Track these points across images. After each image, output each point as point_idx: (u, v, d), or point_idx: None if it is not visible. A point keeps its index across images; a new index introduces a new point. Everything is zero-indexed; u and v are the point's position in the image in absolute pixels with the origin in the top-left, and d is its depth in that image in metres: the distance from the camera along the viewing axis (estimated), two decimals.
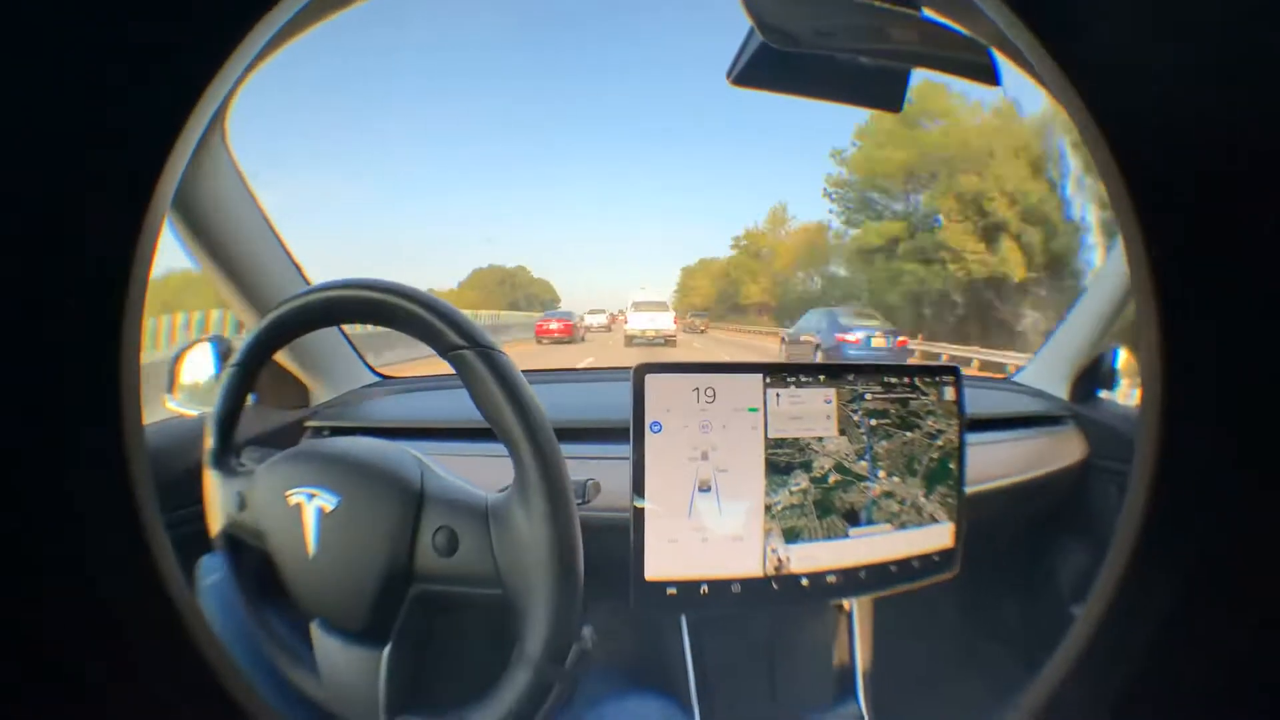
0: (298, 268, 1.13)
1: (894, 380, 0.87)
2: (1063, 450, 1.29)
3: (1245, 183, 0.28)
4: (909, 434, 0.87)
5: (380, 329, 0.63)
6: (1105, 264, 1.34)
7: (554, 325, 21.03)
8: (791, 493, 0.81)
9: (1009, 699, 0.36)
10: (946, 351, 15.35)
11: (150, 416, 1.06)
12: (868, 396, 0.85)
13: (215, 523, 0.72)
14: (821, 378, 0.83)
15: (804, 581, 0.81)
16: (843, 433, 0.84)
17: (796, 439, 0.82)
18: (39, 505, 0.28)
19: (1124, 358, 1.34)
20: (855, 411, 0.85)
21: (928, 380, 0.89)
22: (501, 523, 0.59)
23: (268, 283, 1.07)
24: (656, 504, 0.77)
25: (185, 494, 0.86)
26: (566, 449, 0.60)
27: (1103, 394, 1.37)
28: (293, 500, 0.64)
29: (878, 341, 12.54)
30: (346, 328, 1.24)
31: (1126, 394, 1.33)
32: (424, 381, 1.35)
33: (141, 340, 0.31)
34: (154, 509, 0.31)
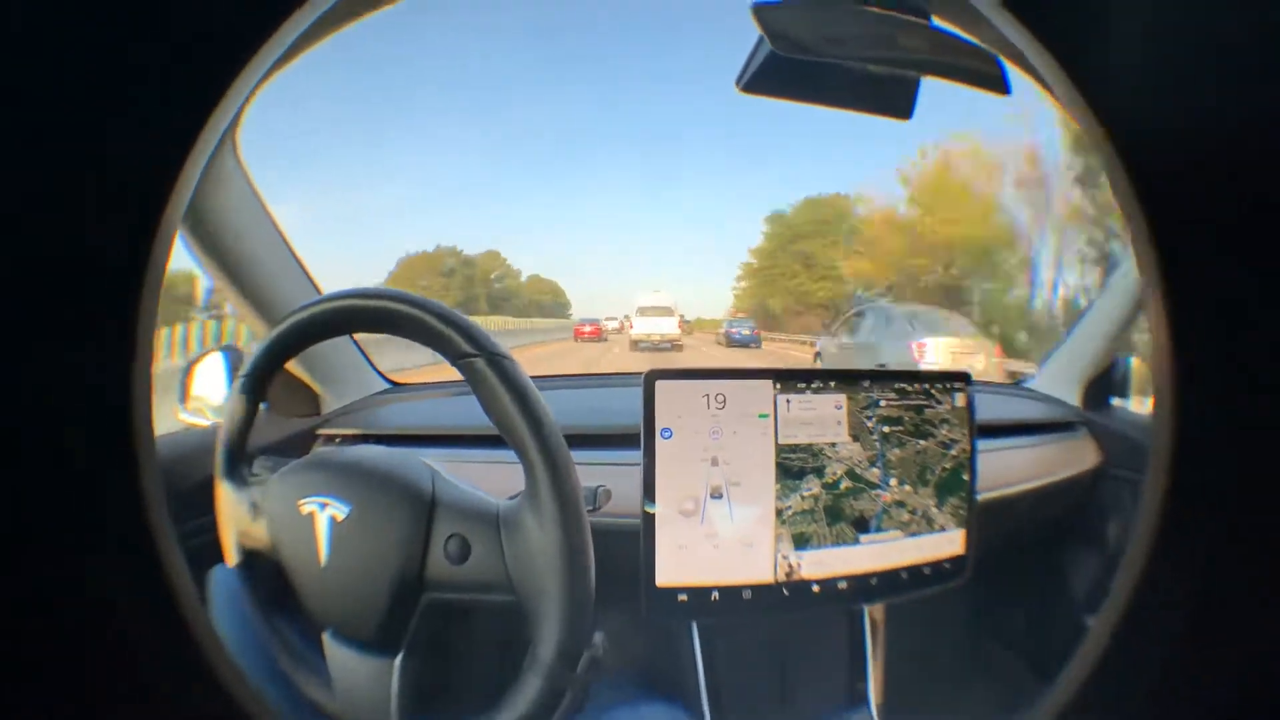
0: (309, 277, 1.14)
1: (908, 387, 0.87)
2: (1075, 457, 1.28)
3: (1255, 187, 0.27)
4: (922, 442, 0.87)
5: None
6: (1118, 270, 1.33)
7: (587, 328, 28.59)
8: (803, 498, 0.81)
9: (1020, 708, 0.36)
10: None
11: (162, 427, 1.07)
12: (882, 403, 0.85)
13: (227, 533, 0.72)
14: (832, 383, 0.83)
15: (815, 588, 0.81)
16: (856, 439, 0.84)
17: (810, 444, 0.82)
18: (47, 516, 0.28)
19: (1136, 364, 1.33)
20: (870, 418, 0.85)
21: (940, 387, 0.89)
22: (513, 530, 0.59)
23: (279, 292, 1.07)
24: (667, 510, 0.77)
25: (197, 505, 0.87)
26: (577, 455, 0.60)
27: (1115, 401, 1.37)
28: (305, 510, 0.64)
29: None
30: (358, 335, 1.25)
31: (1139, 401, 1.32)
32: (435, 388, 1.36)
33: (155, 352, 0.31)
34: (166, 520, 0.31)
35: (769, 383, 0.81)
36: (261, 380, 0.70)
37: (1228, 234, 0.28)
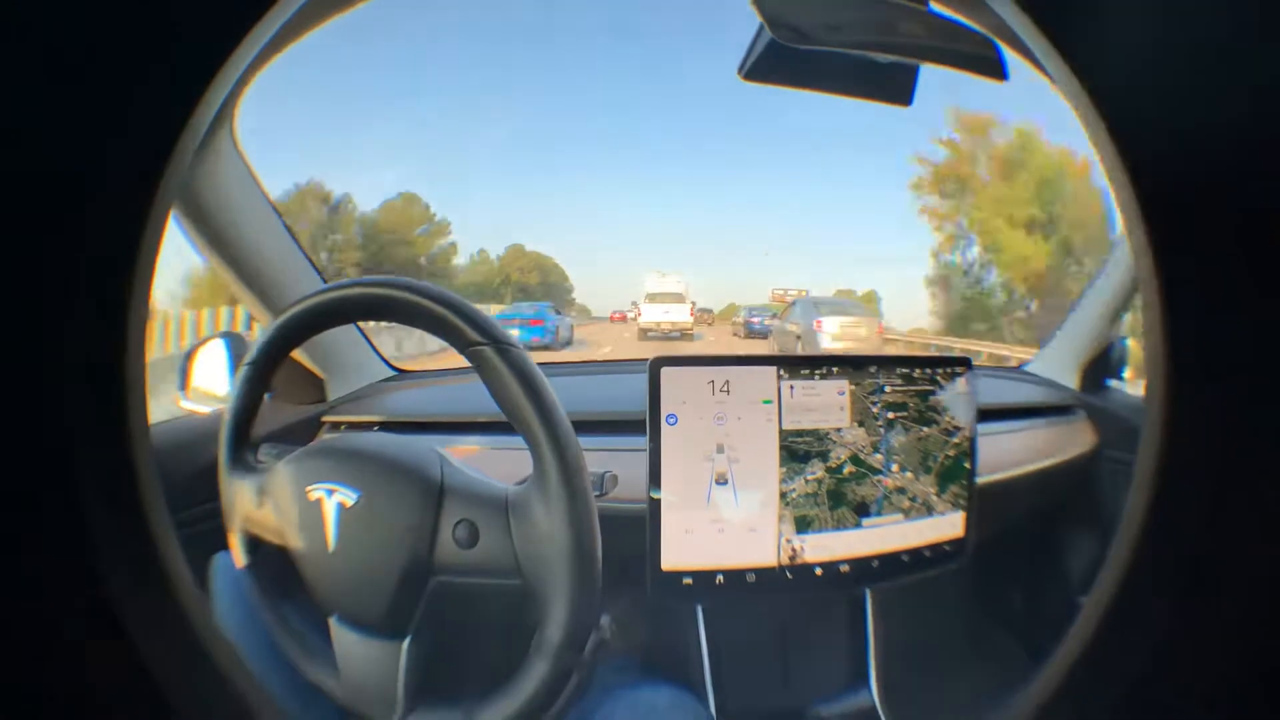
0: (312, 264, 1.13)
1: (914, 373, 0.88)
2: (1073, 440, 1.29)
3: (1251, 179, 0.28)
4: (925, 429, 0.88)
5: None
6: (1114, 254, 1.34)
7: (616, 315, 36.39)
8: (807, 481, 0.82)
9: (1017, 688, 0.37)
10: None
11: (160, 413, 1.07)
12: (887, 389, 0.86)
13: (231, 519, 0.72)
14: (835, 369, 0.84)
15: (817, 571, 0.82)
16: (861, 424, 0.85)
17: (815, 429, 0.82)
18: (43, 505, 0.28)
19: (1132, 347, 1.34)
20: (875, 404, 0.86)
21: (944, 372, 0.90)
22: (521, 515, 0.60)
23: (281, 280, 1.07)
24: (673, 495, 0.78)
25: (200, 491, 0.87)
26: (583, 441, 0.60)
27: (1112, 384, 1.38)
28: (313, 496, 0.64)
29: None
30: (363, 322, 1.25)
31: (1135, 384, 1.33)
32: (440, 375, 1.36)
33: (148, 337, 0.31)
34: (161, 508, 0.31)
35: (773, 369, 0.81)
36: (268, 367, 0.70)
37: (1221, 223, 0.28)
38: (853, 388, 0.84)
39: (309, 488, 0.65)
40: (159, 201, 0.29)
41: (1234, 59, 0.27)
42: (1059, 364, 1.43)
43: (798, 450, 0.81)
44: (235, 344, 1.13)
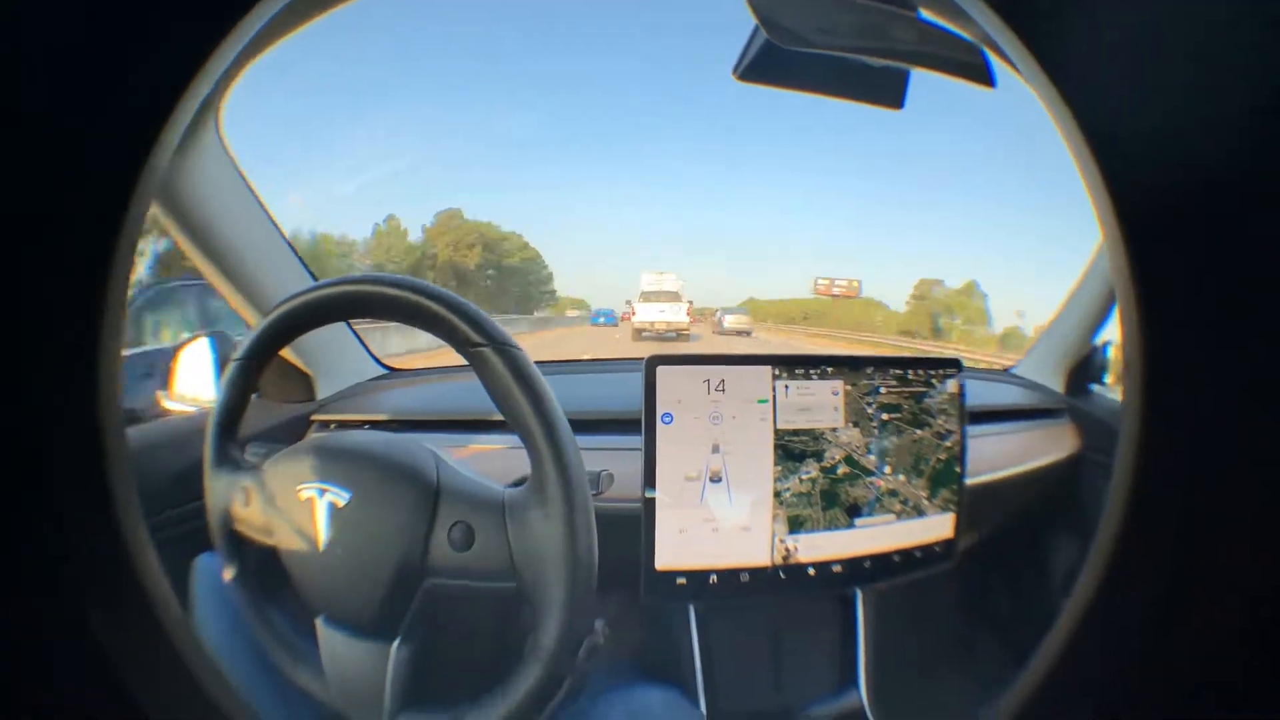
0: (301, 262, 1.12)
1: (908, 374, 0.89)
2: (1057, 443, 1.31)
3: (1226, 185, 0.28)
4: (919, 431, 0.89)
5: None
6: (1097, 259, 1.35)
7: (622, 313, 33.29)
8: (801, 480, 0.82)
9: (1001, 689, 0.37)
10: None
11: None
12: (882, 390, 0.87)
13: (215, 519, 0.70)
14: (830, 370, 0.84)
15: (810, 571, 0.83)
16: (856, 425, 0.85)
17: (811, 428, 0.83)
18: (11, 506, 0.27)
19: (1114, 352, 1.36)
20: (870, 405, 0.86)
21: (936, 373, 0.90)
22: (518, 519, 0.59)
23: (268, 277, 1.05)
24: (667, 494, 0.78)
25: (183, 492, 0.85)
26: (579, 440, 0.60)
27: (1095, 388, 1.39)
28: (303, 496, 0.63)
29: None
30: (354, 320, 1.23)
31: (1118, 388, 1.35)
32: (432, 373, 1.35)
33: (122, 335, 0.30)
34: (136, 511, 0.30)
35: (768, 369, 0.82)
36: (257, 363, 0.69)
37: (1196, 229, 0.29)
38: (848, 388, 0.85)
39: (299, 487, 0.64)
40: (137, 197, 0.29)
41: (1210, 66, 0.28)
42: (1044, 367, 1.45)
43: (793, 449, 0.82)
44: (221, 342, 1.11)
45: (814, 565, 0.83)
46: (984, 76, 0.78)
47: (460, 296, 0.60)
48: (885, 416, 0.86)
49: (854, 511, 0.85)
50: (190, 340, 1.11)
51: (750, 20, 0.76)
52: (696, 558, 0.79)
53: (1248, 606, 0.30)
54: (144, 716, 0.30)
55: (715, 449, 0.79)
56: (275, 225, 1.09)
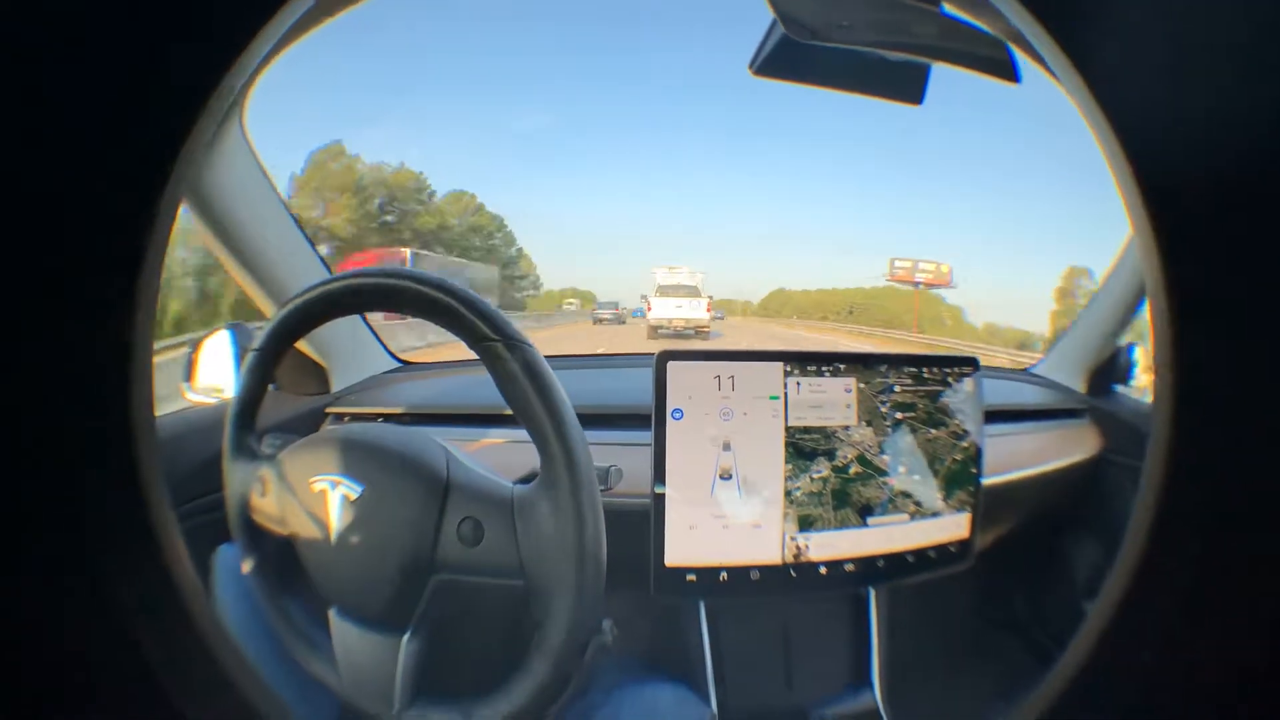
0: (318, 255, 1.13)
1: (923, 372, 0.88)
2: (1078, 444, 1.29)
3: (1258, 182, 0.27)
4: (934, 431, 0.87)
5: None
6: (1124, 258, 1.33)
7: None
8: (812, 479, 0.81)
9: (1021, 691, 0.37)
10: None
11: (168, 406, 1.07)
12: (897, 389, 0.86)
13: (234, 510, 0.72)
14: (843, 367, 0.84)
15: (822, 569, 0.82)
16: (869, 424, 0.84)
17: (823, 426, 0.82)
18: (45, 497, 0.28)
19: (1140, 353, 1.33)
20: (884, 403, 0.85)
21: (953, 372, 0.89)
22: (527, 515, 0.59)
23: (286, 270, 1.07)
24: (677, 490, 0.78)
25: (205, 483, 0.87)
26: (588, 435, 0.60)
27: (1119, 389, 1.37)
28: (316, 488, 0.64)
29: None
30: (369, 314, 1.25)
31: (1142, 389, 1.33)
32: (444, 367, 1.36)
33: (154, 329, 0.31)
34: (164, 501, 0.31)
35: (779, 365, 0.81)
36: (275, 353, 0.70)
37: (1230, 227, 0.28)
38: (861, 386, 0.84)
39: (312, 479, 0.65)
40: (169, 193, 0.29)
41: (1244, 61, 0.27)
42: (1066, 367, 1.43)
43: (804, 447, 0.81)
44: (241, 334, 1.13)
45: (826, 564, 0.82)
46: (1009, 72, 0.77)
47: (471, 291, 0.60)
48: (899, 415, 0.85)
49: (866, 511, 0.84)
50: (211, 333, 1.13)
51: (767, 15, 0.75)
52: (706, 554, 0.79)
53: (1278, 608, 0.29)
54: (171, 704, 0.31)
55: (726, 445, 0.79)
56: (294, 219, 1.10)
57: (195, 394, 1.09)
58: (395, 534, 0.61)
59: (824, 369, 0.82)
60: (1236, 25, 0.27)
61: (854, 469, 0.83)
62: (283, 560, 0.69)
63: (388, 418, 1.10)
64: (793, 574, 0.81)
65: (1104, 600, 0.33)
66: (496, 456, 0.72)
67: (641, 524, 0.78)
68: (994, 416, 1.12)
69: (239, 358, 1.10)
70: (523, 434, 0.59)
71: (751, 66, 0.83)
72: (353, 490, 0.62)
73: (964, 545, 0.90)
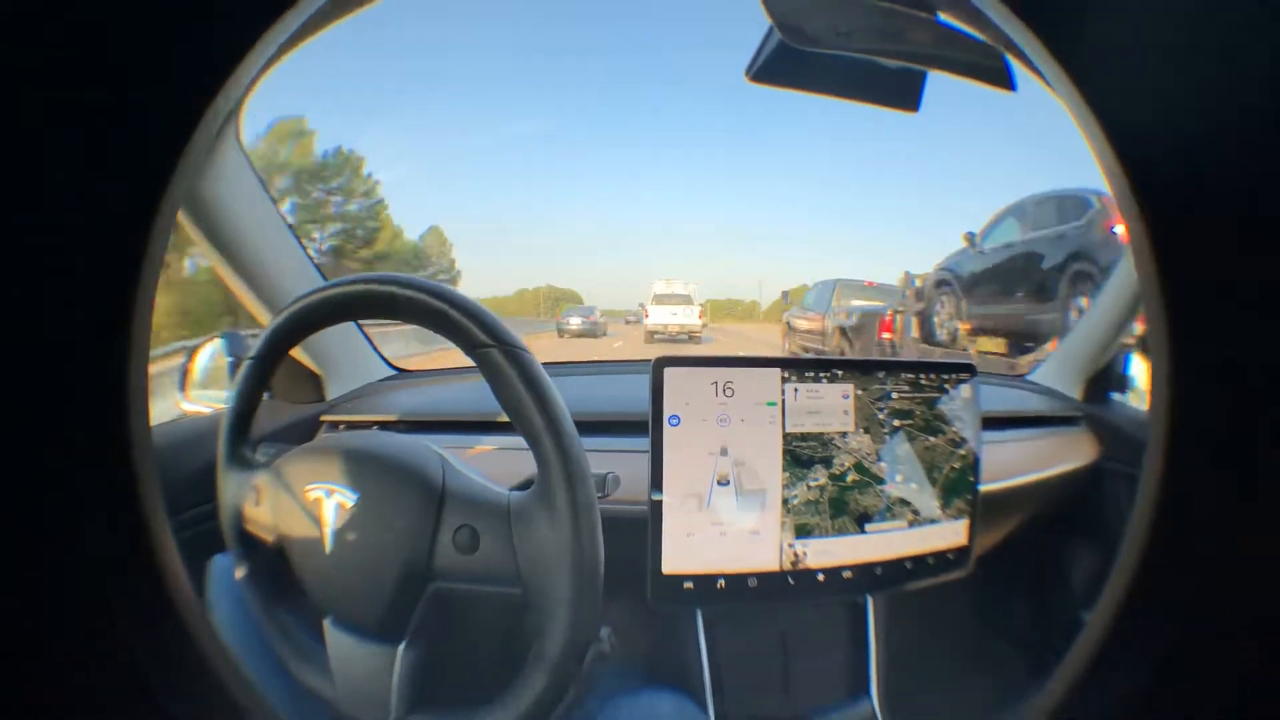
0: (313, 263, 1.13)
1: (921, 379, 0.87)
2: (1074, 451, 1.29)
3: (1251, 186, 0.28)
4: (932, 439, 0.87)
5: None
6: (1121, 265, 1.33)
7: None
8: (809, 488, 0.81)
9: (1018, 700, 0.37)
10: None
11: (163, 416, 1.06)
12: (894, 395, 0.85)
13: (228, 519, 0.71)
14: (840, 373, 0.83)
15: (820, 576, 0.81)
16: (866, 431, 0.84)
17: (820, 433, 0.82)
18: (41, 505, 0.27)
19: (1137, 361, 1.33)
20: (881, 410, 0.85)
21: (950, 378, 0.89)
22: (524, 523, 0.59)
23: (282, 279, 1.07)
24: (674, 497, 0.77)
25: (199, 493, 0.86)
26: (585, 441, 0.59)
27: (1115, 396, 1.37)
28: (311, 496, 0.63)
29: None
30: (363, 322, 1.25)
31: (1139, 396, 1.33)
32: (440, 375, 1.35)
33: (150, 337, 0.31)
34: (160, 510, 0.31)
35: (776, 371, 0.81)
36: (270, 362, 0.69)
37: (1224, 232, 0.28)
38: (858, 392, 0.83)
39: (307, 488, 0.64)
40: (166, 202, 0.29)
41: (1237, 67, 0.27)
42: (1062, 374, 1.43)
43: (801, 455, 0.81)
44: (234, 343, 1.12)
45: (824, 571, 0.81)
46: (1004, 80, 0.77)
47: (469, 297, 0.59)
48: (897, 423, 0.85)
49: (864, 519, 0.83)
50: (205, 341, 1.13)
51: (763, 21, 0.75)
52: (704, 562, 0.78)
53: (1277, 623, 0.29)
54: (165, 712, 0.31)
55: (723, 451, 0.78)
56: (289, 226, 1.10)
57: (190, 403, 1.09)
58: (391, 542, 0.60)
59: (821, 375, 0.82)
60: (1229, 31, 0.27)
61: (851, 477, 0.83)
62: (277, 570, 0.68)
63: (383, 425, 1.10)
64: (791, 581, 0.80)
65: (1101, 607, 0.33)
66: (492, 463, 0.72)
67: (639, 531, 0.77)
68: (990, 423, 1.12)
69: (233, 366, 1.09)
70: (519, 441, 0.59)
71: (748, 73, 0.84)
72: (348, 498, 0.62)
73: (962, 552, 0.90)
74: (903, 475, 0.85)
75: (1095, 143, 0.31)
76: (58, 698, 0.29)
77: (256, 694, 0.36)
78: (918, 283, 7.49)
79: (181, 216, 0.95)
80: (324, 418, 1.13)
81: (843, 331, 8.27)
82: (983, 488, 0.91)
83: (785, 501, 0.80)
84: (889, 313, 7.50)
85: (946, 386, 0.88)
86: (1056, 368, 1.46)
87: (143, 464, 0.30)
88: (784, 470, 0.80)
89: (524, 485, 0.62)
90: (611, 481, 0.70)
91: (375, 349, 1.32)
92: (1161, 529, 0.31)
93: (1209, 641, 0.30)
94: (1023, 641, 1.45)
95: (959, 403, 0.88)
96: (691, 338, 18.59)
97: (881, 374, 0.85)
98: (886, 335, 7.24)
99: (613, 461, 0.77)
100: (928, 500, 0.87)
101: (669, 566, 0.77)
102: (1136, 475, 0.31)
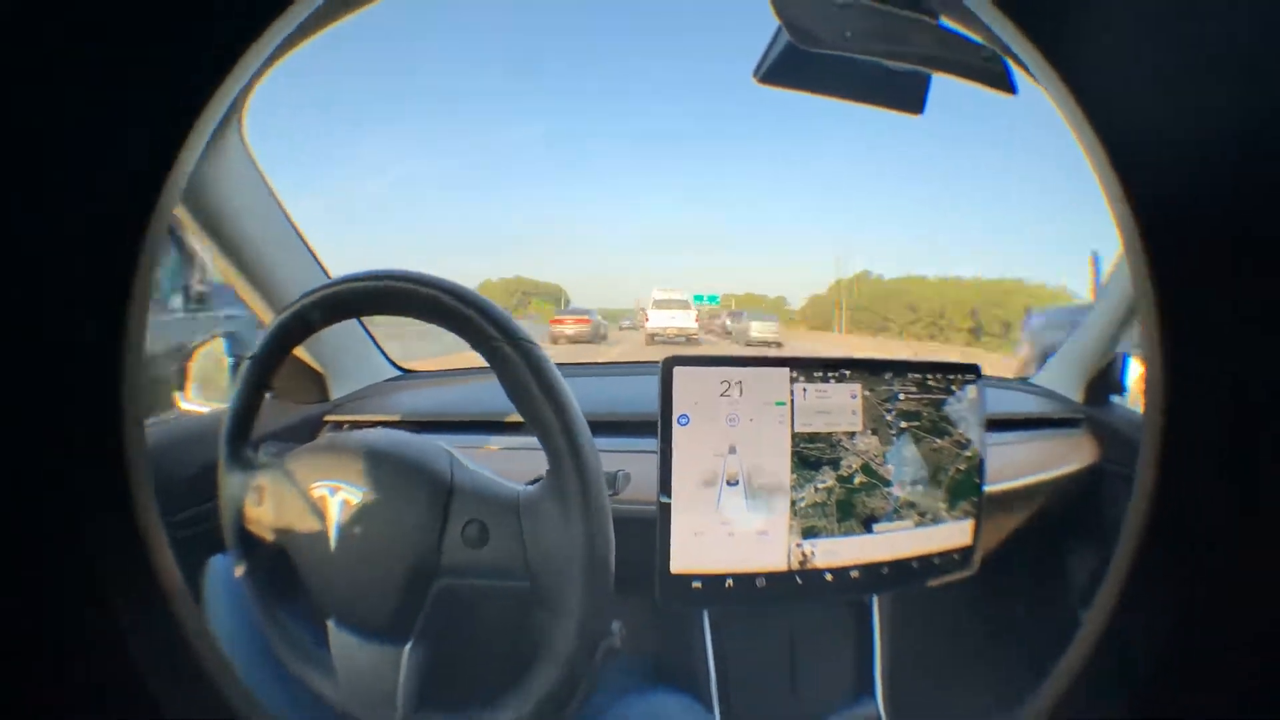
0: (318, 261, 1.12)
1: (928, 380, 0.88)
2: (1075, 453, 1.29)
3: (1247, 195, 0.28)
4: (939, 440, 0.87)
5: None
6: (1120, 269, 1.34)
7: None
8: (817, 490, 0.81)
9: (1021, 699, 0.37)
10: None
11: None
12: (901, 396, 0.85)
13: (228, 519, 0.71)
14: (849, 373, 0.83)
15: (828, 576, 0.81)
16: (874, 432, 0.84)
17: (828, 434, 0.82)
18: (35, 506, 0.27)
19: (1136, 363, 1.34)
20: (889, 411, 0.85)
21: (957, 379, 0.89)
22: (534, 517, 0.58)
23: (286, 276, 1.06)
24: (683, 497, 0.77)
25: (198, 492, 0.86)
26: (596, 441, 0.59)
27: (1116, 399, 1.38)
28: (316, 494, 0.63)
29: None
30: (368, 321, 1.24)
31: (1139, 399, 1.33)
32: (447, 375, 1.35)
33: (146, 334, 0.31)
34: (154, 511, 0.31)
35: (786, 370, 0.81)
36: (272, 361, 0.69)
37: (1219, 237, 0.28)
38: (866, 393, 0.83)
39: (312, 485, 0.64)
40: (164, 199, 0.29)
41: (1230, 74, 0.27)
42: (1064, 377, 1.44)
43: (809, 457, 0.81)
44: (235, 342, 1.12)
45: (831, 571, 0.81)
46: (1004, 83, 0.78)
47: (479, 293, 0.59)
48: (904, 424, 0.85)
49: (871, 521, 0.84)
50: (206, 341, 1.12)
51: (771, 22, 0.76)
52: (712, 561, 0.78)
53: (1272, 618, 0.30)
54: (160, 715, 0.30)
55: (732, 450, 0.78)
56: (294, 225, 1.09)
57: (189, 403, 1.08)
58: (398, 538, 0.60)
59: (830, 375, 0.82)
60: (1225, 38, 0.27)
61: (859, 479, 0.83)
62: (278, 571, 0.68)
63: (389, 425, 1.09)
64: (799, 581, 0.80)
65: (1098, 607, 0.34)
66: (500, 464, 0.71)
67: (647, 531, 0.77)
68: (993, 425, 1.12)
69: (235, 367, 1.09)
70: (527, 441, 0.58)
71: (756, 74, 0.84)
72: (354, 495, 0.61)
73: (967, 552, 0.90)
74: (909, 477, 0.85)
75: (1088, 147, 0.31)
76: (56, 698, 0.28)
77: (254, 699, 0.36)
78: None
79: (184, 214, 0.94)
80: (328, 418, 1.13)
81: None
82: (987, 489, 0.91)
83: (793, 504, 0.80)
84: None
85: (953, 388, 0.88)
86: (1058, 370, 1.47)
87: (136, 464, 0.30)
88: (792, 471, 0.80)
89: (534, 483, 0.61)
90: (622, 479, 0.70)
91: (380, 349, 1.31)
92: (1155, 532, 0.31)
93: (1204, 643, 0.31)
94: (1025, 641, 1.45)
95: (965, 404, 0.89)
96: (690, 340, 20.08)
97: (889, 375, 0.85)
98: None
99: (621, 462, 0.77)
100: (934, 502, 0.87)
101: (677, 566, 0.77)
102: (1134, 476, 0.32)
